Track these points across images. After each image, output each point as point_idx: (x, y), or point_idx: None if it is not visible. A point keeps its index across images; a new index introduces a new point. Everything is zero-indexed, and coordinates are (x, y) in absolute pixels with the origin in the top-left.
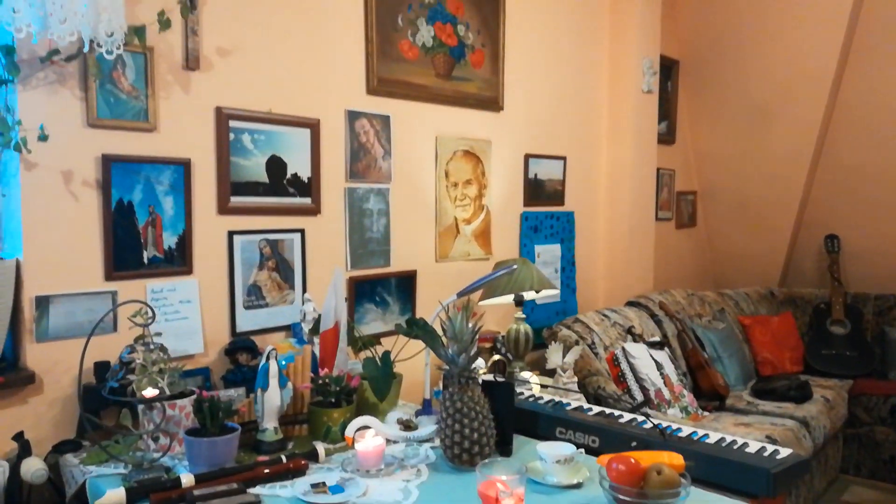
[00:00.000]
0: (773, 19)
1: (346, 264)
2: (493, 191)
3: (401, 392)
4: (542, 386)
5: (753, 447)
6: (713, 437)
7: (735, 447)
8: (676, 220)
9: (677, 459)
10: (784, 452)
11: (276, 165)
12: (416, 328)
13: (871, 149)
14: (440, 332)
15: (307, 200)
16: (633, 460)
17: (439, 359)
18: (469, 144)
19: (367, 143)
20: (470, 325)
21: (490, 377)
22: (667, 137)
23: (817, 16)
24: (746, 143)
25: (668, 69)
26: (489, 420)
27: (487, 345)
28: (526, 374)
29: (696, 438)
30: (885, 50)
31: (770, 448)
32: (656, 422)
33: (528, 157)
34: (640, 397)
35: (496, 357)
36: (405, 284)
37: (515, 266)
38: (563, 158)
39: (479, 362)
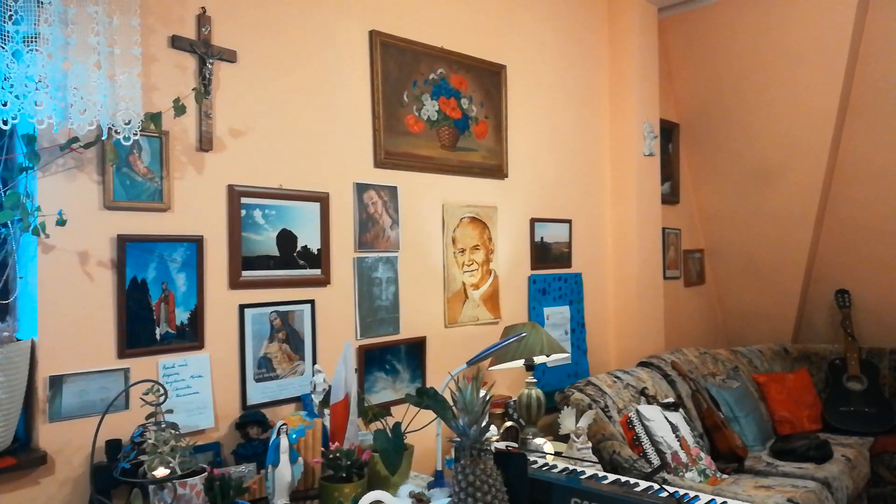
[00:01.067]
0: (768, 84)
1: (355, 333)
2: (500, 255)
3: (413, 462)
4: (556, 454)
5: None
6: None
7: None
8: (685, 279)
9: None
10: None
11: (286, 239)
12: (427, 398)
13: (874, 205)
14: (451, 401)
15: (317, 272)
16: None
17: (451, 430)
18: (475, 211)
19: (376, 214)
20: (480, 395)
21: (503, 445)
22: (671, 198)
23: (812, 79)
24: (750, 201)
25: (668, 132)
26: (502, 493)
27: (499, 410)
28: (539, 441)
29: None
30: (880, 110)
31: None
32: (672, 490)
33: (533, 221)
34: (656, 461)
35: (508, 423)
36: (415, 351)
37: (525, 333)
38: (569, 221)
39: (492, 429)
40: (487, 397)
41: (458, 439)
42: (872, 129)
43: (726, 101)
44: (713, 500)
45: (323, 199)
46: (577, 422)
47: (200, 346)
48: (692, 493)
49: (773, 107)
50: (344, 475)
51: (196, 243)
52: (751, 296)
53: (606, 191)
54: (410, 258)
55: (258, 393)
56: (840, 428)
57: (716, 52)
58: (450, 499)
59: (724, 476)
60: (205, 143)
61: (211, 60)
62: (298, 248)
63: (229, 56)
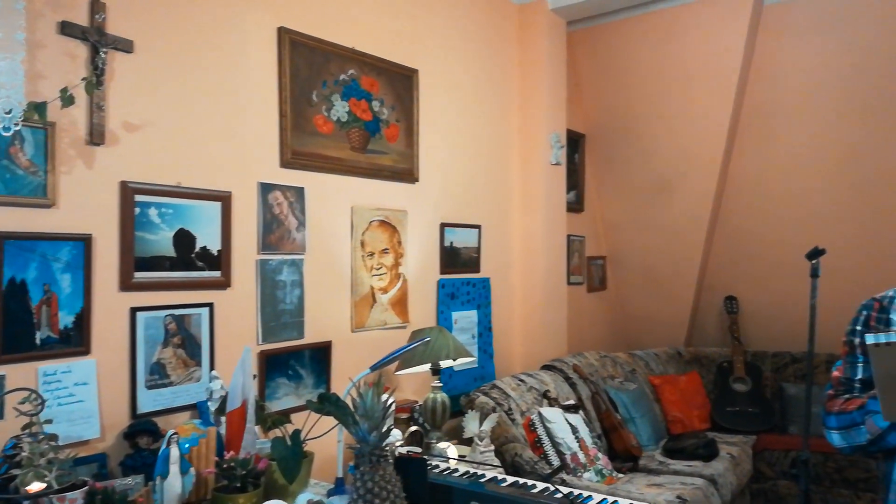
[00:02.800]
0: (667, 101)
1: (257, 337)
2: (409, 259)
3: (313, 470)
4: (460, 458)
5: None
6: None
7: None
8: (588, 284)
9: None
10: None
11: (184, 239)
12: (328, 404)
13: (761, 217)
14: (352, 407)
15: (217, 274)
16: None
17: (351, 436)
18: (385, 214)
19: (281, 215)
20: (382, 401)
21: (406, 450)
22: (576, 206)
23: (707, 100)
24: (648, 212)
25: (575, 142)
26: (401, 499)
27: (404, 415)
28: (443, 445)
29: None
30: (765, 132)
31: None
32: (567, 490)
33: (443, 225)
34: (556, 462)
35: (413, 428)
36: (319, 356)
37: (429, 338)
38: (478, 227)
39: (396, 434)
40: (388, 403)
41: (358, 445)
42: (758, 150)
43: (629, 114)
44: (605, 499)
45: (225, 199)
46: (480, 425)
47: (86, 352)
48: (586, 493)
49: (671, 123)
50: (238, 485)
51: (84, 242)
52: (648, 301)
53: (515, 197)
54: (317, 261)
55: (150, 401)
56: (726, 427)
57: (620, 67)
58: None
59: (620, 475)
60: (96, 136)
61: (104, 49)
62: (197, 249)
63: (125, 46)
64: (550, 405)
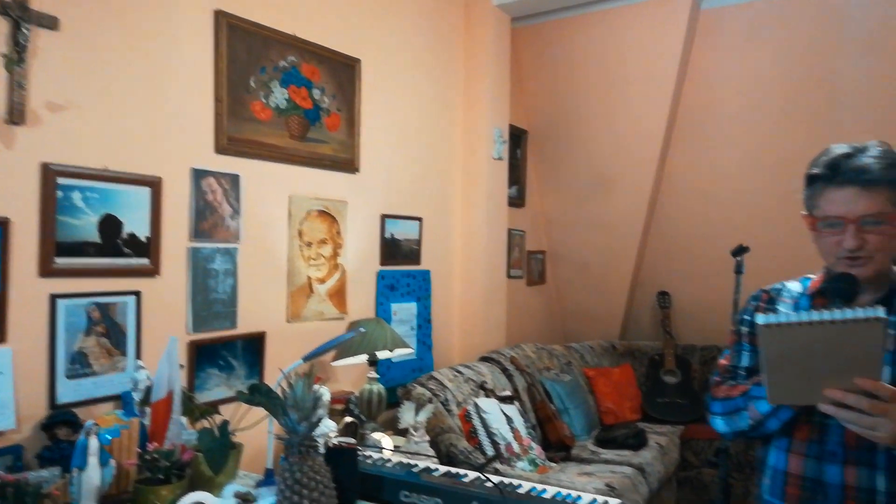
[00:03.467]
0: (607, 100)
1: (187, 327)
2: (348, 250)
3: (244, 463)
4: (395, 449)
5: (585, 500)
6: (550, 492)
7: (568, 501)
8: (527, 278)
9: None
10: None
11: (110, 225)
12: (259, 395)
13: (694, 216)
14: (283, 398)
15: (145, 261)
16: None
17: (281, 426)
18: (324, 204)
19: (215, 202)
20: (312, 391)
21: (338, 441)
22: (517, 201)
23: (644, 101)
24: (587, 208)
25: (517, 138)
26: (330, 489)
27: (340, 406)
28: (378, 436)
29: (533, 494)
30: (698, 135)
31: (601, 500)
32: (497, 479)
33: (384, 217)
34: (490, 452)
35: (348, 419)
36: (253, 347)
37: (363, 329)
38: (420, 219)
39: (331, 425)
40: (319, 393)
41: (288, 436)
42: (692, 152)
43: (570, 112)
44: (534, 487)
45: (155, 184)
46: (416, 416)
47: (1, 340)
48: (517, 482)
49: (610, 122)
50: (162, 477)
51: (0, 226)
52: (585, 296)
53: (457, 191)
54: (252, 250)
55: (70, 391)
56: (656, 417)
57: (563, 65)
58: (276, 497)
59: (553, 465)
60: (16, 115)
61: (27, 26)
62: (124, 236)
63: (49, 23)
64: (487, 396)
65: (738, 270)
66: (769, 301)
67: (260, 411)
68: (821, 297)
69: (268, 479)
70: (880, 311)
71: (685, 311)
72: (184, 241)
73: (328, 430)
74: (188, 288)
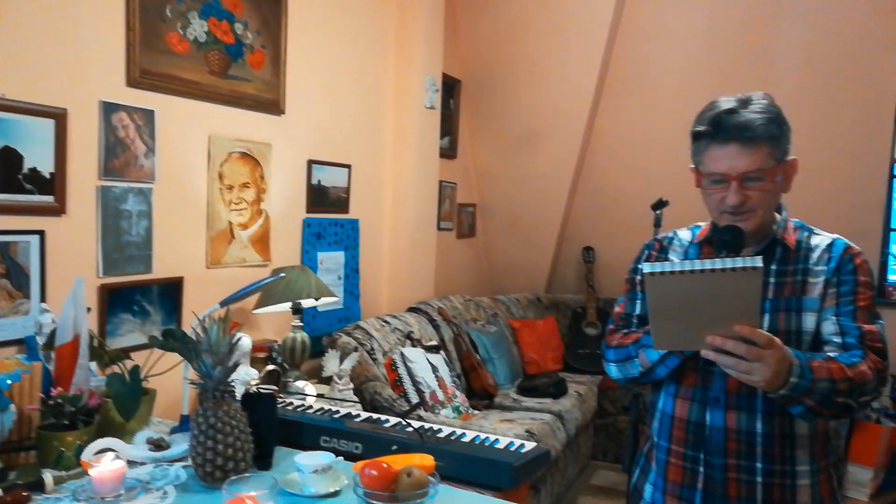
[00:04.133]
0: (539, 53)
1: (97, 270)
2: (273, 195)
3: (160, 410)
4: (318, 396)
5: (502, 443)
6: (469, 436)
7: (486, 444)
8: (457, 231)
9: (428, 460)
10: (529, 447)
11: (8, 158)
12: (173, 340)
13: (621, 173)
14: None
15: (49, 198)
16: (385, 465)
17: (195, 371)
18: (246, 146)
19: (127, 139)
20: (227, 336)
21: (258, 388)
22: (449, 152)
23: (576, 56)
24: (517, 162)
25: (450, 87)
26: (246, 434)
27: (262, 354)
28: (301, 384)
29: (453, 438)
30: (628, 93)
31: (517, 443)
32: (417, 424)
33: (311, 163)
34: (415, 400)
35: (270, 367)
36: (170, 292)
37: (283, 274)
38: (348, 166)
39: (252, 373)
40: (235, 338)
41: (202, 381)
42: (621, 108)
43: (503, 64)
44: (453, 431)
45: (59, 116)
46: (340, 364)
47: None
48: (437, 426)
49: (541, 76)
50: (67, 422)
51: None
52: (513, 249)
53: (387, 139)
54: (168, 191)
55: None
56: (577, 368)
57: (497, 15)
58: (189, 443)
59: (476, 412)
60: None
61: None
62: (25, 170)
63: None
64: (413, 346)
65: (657, 223)
66: (661, 250)
67: (176, 358)
68: (708, 245)
69: (183, 425)
70: (758, 261)
71: (608, 266)
72: (93, 178)
73: (249, 377)
74: (98, 229)
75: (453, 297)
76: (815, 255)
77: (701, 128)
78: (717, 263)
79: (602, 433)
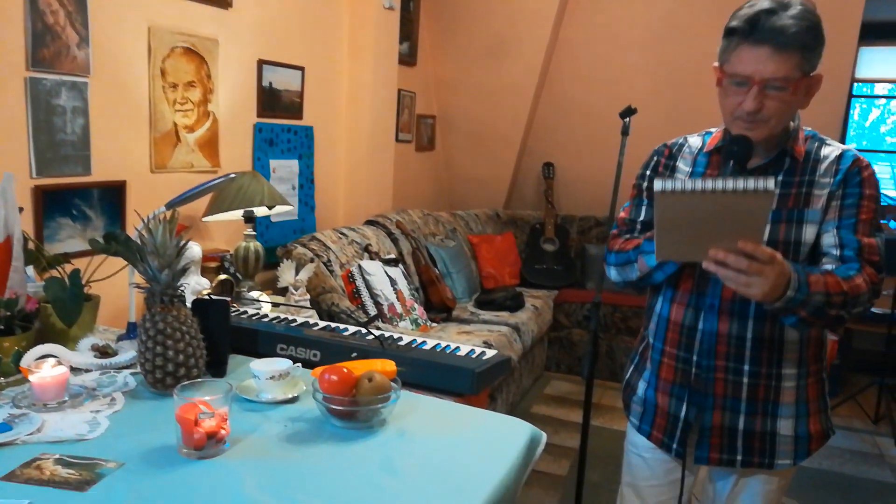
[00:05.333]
0: None
1: (30, 170)
2: (221, 97)
3: (109, 319)
4: (274, 304)
5: (463, 351)
6: (430, 344)
7: (447, 352)
8: (416, 143)
9: (390, 366)
10: (489, 354)
11: None
12: (116, 243)
13: (584, 88)
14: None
15: None
16: (345, 370)
17: (141, 276)
18: (191, 41)
19: (56, 26)
20: (174, 238)
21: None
22: (408, 59)
23: None
24: (479, 73)
25: None
26: (198, 340)
27: (214, 264)
28: (255, 294)
29: (413, 346)
30: (596, 2)
31: (478, 351)
32: (377, 332)
33: (261, 62)
34: (373, 312)
35: (222, 276)
36: (112, 196)
37: (234, 175)
38: (302, 69)
39: (204, 282)
40: (182, 240)
41: (149, 285)
42: (587, 17)
43: None
44: (414, 339)
45: None
46: (296, 275)
47: None
48: (397, 335)
49: None
50: (3, 328)
51: None
52: (473, 164)
53: (343, 41)
54: (105, 87)
55: None
56: (534, 283)
57: None
58: (137, 349)
59: (434, 324)
60: None
61: None
62: None
63: None
64: (371, 259)
65: (625, 132)
66: (669, 157)
67: (120, 263)
68: (717, 154)
69: (130, 332)
70: (771, 183)
71: (567, 183)
72: (20, 69)
73: (201, 287)
74: (28, 125)
75: (412, 211)
76: (823, 166)
77: (735, 24)
78: (730, 184)
79: (556, 345)
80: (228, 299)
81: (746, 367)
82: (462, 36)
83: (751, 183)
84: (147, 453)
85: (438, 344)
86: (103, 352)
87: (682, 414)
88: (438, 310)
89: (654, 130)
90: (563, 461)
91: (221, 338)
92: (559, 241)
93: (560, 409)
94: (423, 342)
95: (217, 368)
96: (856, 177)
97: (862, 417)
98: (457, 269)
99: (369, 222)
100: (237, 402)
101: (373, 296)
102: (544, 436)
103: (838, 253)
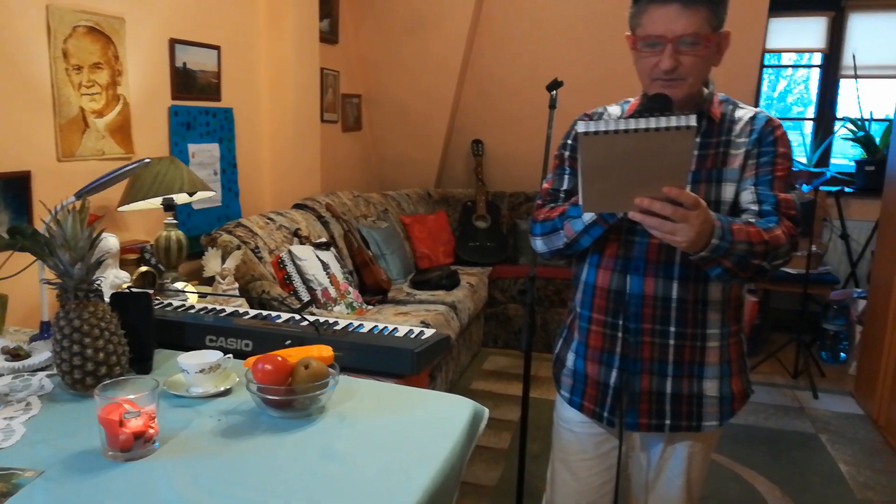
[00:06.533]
0: None
1: None
2: (131, 79)
3: (20, 320)
4: (201, 295)
5: (402, 331)
6: (367, 327)
7: (385, 334)
8: (343, 123)
9: (326, 352)
10: (428, 333)
11: None
12: (22, 237)
13: (509, 63)
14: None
15: None
16: (280, 358)
17: (52, 271)
18: (94, 20)
19: None
20: (86, 228)
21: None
22: (329, 36)
23: None
24: (404, 50)
25: None
26: (119, 337)
27: (133, 256)
28: (180, 285)
29: (350, 330)
30: None
31: (416, 331)
32: (312, 318)
33: (173, 41)
34: (306, 298)
35: (144, 268)
36: (15, 188)
37: (148, 160)
38: (217, 48)
39: (123, 275)
40: (96, 232)
41: (61, 280)
42: None
43: None
44: (350, 323)
45: None
46: (223, 263)
47: None
48: (333, 320)
49: None
50: None
51: None
52: (403, 143)
53: (260, 17)
54: (0, 71)
55: None
56: (468, 260)
57: None
58: (52, 349)
59: (370, 307)
60: None
61: None
62: None
63: None
64: (301, 243)
65: (552, 105)
66: None
67: (28, 258)
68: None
69: (43, 332)
70: (692, 120)
71: (497, 160)
72: None
73: (120, 281)
74: None
75: (341, 193)
76: (738, 127)
77: None
78: (652, 122)
79: (493, 321)
80: (150, 292)
81: (672, 329)
82: (384, 13)
83: (672, 120)
84: (69, 459)
85: (376, 326)
86: (15, 354)
87: (612, 381)
88: (374, 292)
89: (581, 103)
90: (505, 434)
91: (145, 332)
92: (491, 218)
93: (499, 383)
94: (360, 325)
95: (142, 365)
96: (769, 136)
97: (783, 373)
98: (390, 251)
99: (298, 206)
100: (166, 399)
101: (305, 281)
102: (486, 411)
103: (757, 208)
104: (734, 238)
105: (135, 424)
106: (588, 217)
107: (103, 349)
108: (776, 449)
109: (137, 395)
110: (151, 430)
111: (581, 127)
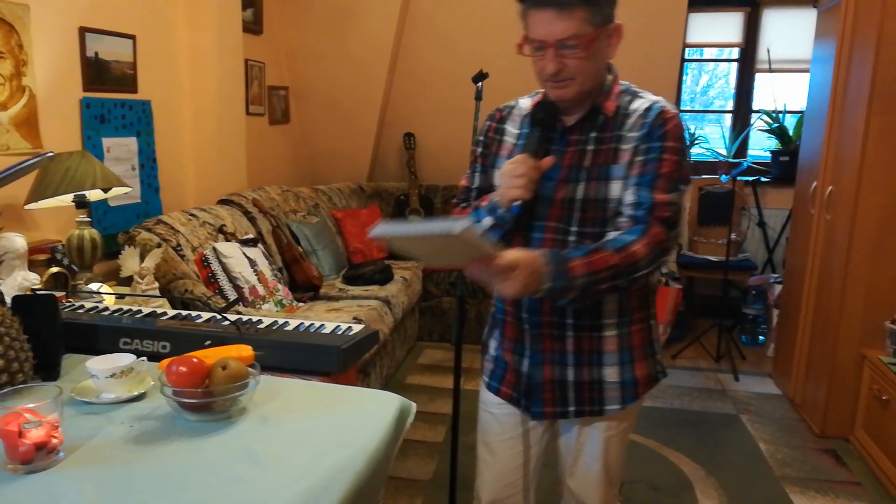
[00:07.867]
0: None
1: None
2: (37, 70)
3: None
4: (118, 296)
5: (328, 328)
6: (293, 324)
7: (312, 331)
8: (270, 116)
9: (246, 351)
10: (356, 329)
11: None
12: None
13: (440, 54)
14: None
15: None
16: (195, 360)
17: None
18: None
19: None
20: None
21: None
22: (254, 27)
23: None
24: (333, 42)
25: None
26: (20, 342)
27: (43, 256)
28: (94, 286)
29: (275, 328)
30: None
31: (344, 327)
32: (234, 317)
33: (83, 30)
34: (233, 296)
35: (55, 269)
36: None
37: (51, 153)
38: (132, 37)
39: (32, 277)
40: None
41: None
42: None
43: None
44: (275, 321)
45: None
46: (141, 262)
47: None
48: (257, 318)
49: None
50: None
51: None
52: (333, 137)
53: (178, 6)
54: None
55: None
56: (401, 255)
57: None
58: None
59: (301, 304)
60: None
61: None
62: None
63: None
64: (227, 240)
65: (478, 97)
66: (500, 120)
67: None
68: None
69: None
70: (456, 227)
71: (429, 153)
72: None
73: (28, 283)
74: None
75: (269, 188)
76: (631, 120)
77: None
78: (421, 229)
79: (427, 315)
80: (56, 294)
81: (570, 321)
82: (309, 3)
83: (437, 227)
84: None
85: (302, 323)
86: None
87: (525, 369)
88: (305, 289)
89: (508, 94)
90: (440, 427)
91: (51, 337)
92: (424, 212)
93: (434, 377)
94: (286, 323)
95: (49, 371)
96: (659, 129)
97: (706, 357)
98: (322, 246)
99: (223, 202)
100: (75, 406)
101: (231, 279)
102: (414, 406)
103: (631, 213)
104: (572, 275)
105: (36, 434)
106: (487, 221)
107: (3, 355)
108: (700, 430)
109: (38, 403)
110: (55, 440)
111: (370, 232)
